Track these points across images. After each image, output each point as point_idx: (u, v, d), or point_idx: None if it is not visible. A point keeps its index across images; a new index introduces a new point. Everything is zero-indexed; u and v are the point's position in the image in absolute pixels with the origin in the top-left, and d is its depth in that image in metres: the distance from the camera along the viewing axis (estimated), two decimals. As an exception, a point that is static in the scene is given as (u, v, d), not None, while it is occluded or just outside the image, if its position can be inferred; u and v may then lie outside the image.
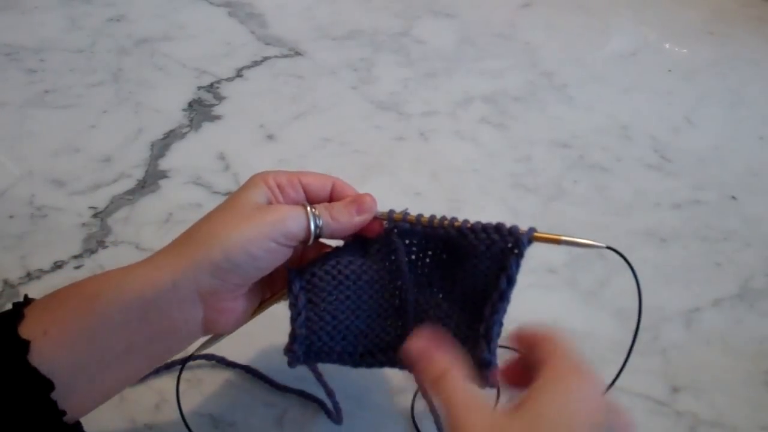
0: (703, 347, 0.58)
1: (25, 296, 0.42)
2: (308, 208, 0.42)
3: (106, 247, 0.63)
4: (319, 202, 0.44)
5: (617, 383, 0.43)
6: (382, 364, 0.45)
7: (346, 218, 0.43)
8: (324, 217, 0.42)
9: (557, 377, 0.35)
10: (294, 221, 0.41)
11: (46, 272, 0.61)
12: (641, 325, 0.59)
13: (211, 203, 0.67)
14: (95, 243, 0.63)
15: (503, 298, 0.41)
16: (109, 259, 0.62)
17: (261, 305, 0.45)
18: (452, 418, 0.35)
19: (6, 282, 0.60)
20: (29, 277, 0.60)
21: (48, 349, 0.38)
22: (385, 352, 0.45)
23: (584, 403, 0.34)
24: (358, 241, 0.45)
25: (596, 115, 0.80)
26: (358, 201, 0.43)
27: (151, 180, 0.69)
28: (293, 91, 0.81)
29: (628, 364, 0.56)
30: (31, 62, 0.82)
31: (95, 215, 0.66)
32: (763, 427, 0.53)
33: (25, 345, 0.37)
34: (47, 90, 0.79)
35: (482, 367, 0.40)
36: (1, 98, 0.78)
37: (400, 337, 0.44)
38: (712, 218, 0.69)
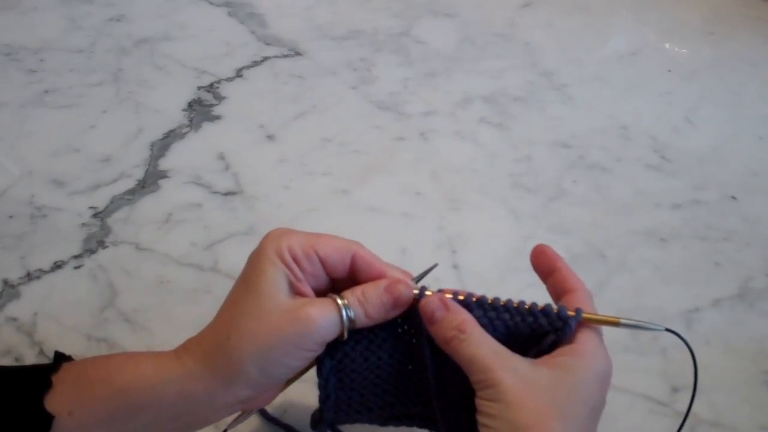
0: (703, 347, 0.58)
1: (56, 354, 0.42)
2: (339, 303, 0.39)
3: (106, 247, 0.63)
4: (338, 275, 0.41)
5: (617, 383, 0.43)
6: (409, 426, 0.44)
7: (381, 316, 0.40)
8: (357, 313, 0.39)
9: (588, 352, 0.37)
10: (327, 330, 0.39)
11: (46, 272, 0.61)
12: (641, 324, 0.59)
13: (211, 203, 0.68)
14: (95, 243, 0.63)
15: None
16: (109, 259, 0.62)
17: (294, 376, 0.43)
18: (481, 370, 0.36)
19: (6, 282, 0.60)
20: (29, 277, 0.60)
21: (70, 429, 0.38)
22: (412, 418, 0.44)
23: (600, 386, 0.37)
24: None
25: (596, 115, 0.80)
26: (394, 294, 0.40)
27: (151, 180, 0.69)
28: (293, 91, 0.81)
29: (627, 364, 0.56)
30: (31, 62, 0.82)
31: (95, 215, 0.66)
32: (763, 427, 0.53)
33: (49, 420, 0.37)
34: (47, 90, 0.79)
35: None
36: (1, 98, 0.78)
37: (426, 408, 0.43)
38: (712, 218, 0.69)
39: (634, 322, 0.40)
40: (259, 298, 0.38)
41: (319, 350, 0.40)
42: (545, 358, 0.38)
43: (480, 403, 0.36)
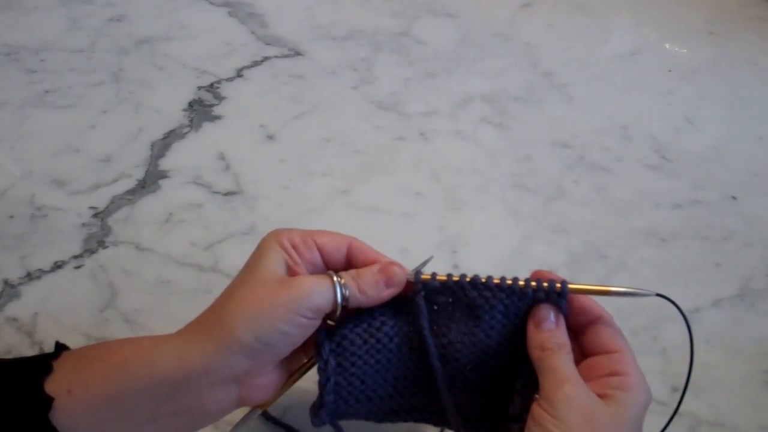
0: (703, 347, 0.58)
1: (57, 343, 0.42)
2: (334, 278, 0.40)
3: (106, 247, 0.63)
4: (335, 263, 0.42)
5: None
6: (406, 421, 0.45)
7: (374, 292, 0.41)
8: (351, 288, 0.40)
9: (636, 384, 0.39)
10: (320, 296, 0.40)
11: (46, 272, 0.61)
12: (642, 325, 0.59)
13: (211, 203, 0.68)
14: (95, 243, 0.63)
15: None
16: (109, 259, 0.62)
17: (296, 372, 0.44)
18: (555, 384, 0.38)
19: (6, 282, 0.60)
20: (29, 277, 0.60)
21: (70, 408, 0.38)
22: (411, 412, 0.44)
23: (643, 415, 0.39)
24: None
25: (596, 115, 0.80)
26: (387, 273, 0.41)
27: (151, 180, 0.69)
28: (293, 91, 0.81)
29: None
30: (31, 62, 0.82)
31: (95, 215, 0.66)
32: (763, 427, 0.53)
33: (48, 402, 0.37)
34: (47, 90, 0.79)
35: (512, 422, 0.41)
36: (1, 98, 0.78)
37: (426, 398, 0.43)
38: (712, 218, 0.69)
39: (625, 289, 0.41)
40: (255, 275, 0.40)
41: (313, 319, 0.40)
42: (600, 388, 0.39)
43: (538, 411, 0.37)
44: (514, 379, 0.42)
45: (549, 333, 0.40)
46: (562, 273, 0.63)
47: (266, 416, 0.52)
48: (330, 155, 0.73)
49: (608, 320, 0.41)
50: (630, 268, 0.64)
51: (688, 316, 0.61)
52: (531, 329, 0.41)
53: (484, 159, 0.74)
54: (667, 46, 0.92)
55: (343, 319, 0.42)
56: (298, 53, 0.87)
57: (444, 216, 0.68)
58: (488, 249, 0.65)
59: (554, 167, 0.73)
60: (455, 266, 0.63)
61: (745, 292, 0.63)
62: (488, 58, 0.87)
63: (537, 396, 0.39)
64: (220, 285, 0.60)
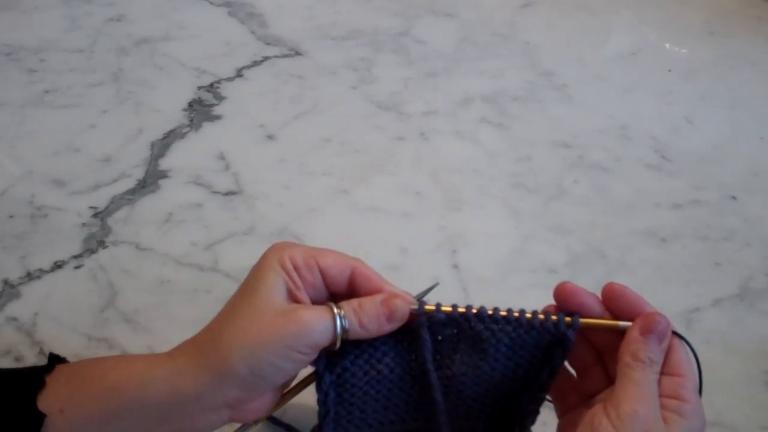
0: (703, 347, 0.58)
1: (50, 355, 0.42)
2: (335, 311, 0.39)
3: (106, 247, 0.63)
4: (337, 288, 0.41)
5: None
6: None
7: (375, 327, 0.40)
8: (351, 322, 0.39)
9: (694, 412, 0.39)
10: (319, 334, 0.39)
11: (46, 272, 0.61)
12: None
13: (211, 203, 0.68)
14: (95, 243, 0.63)
15: (544, 388, 0.40)
16: (109, 259, 0.62)
17: (292, 390, 0.43)
18: (631, 398, 0.37)
19: (6, 282, 0.60)
20: (29, 277, 0.60)
21: (62, 428, 0.38)
22: None
23: None
24: None
25: (596, 115, 0.80)
26: (390, 307, 0.40)
27: (151, 180, 0.69)
28: (293, 91, 0.81)
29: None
30: (31, 62, 0.82)
31: (95, 215, 0.66)
32: (763, 427, 0.53)
33: (40, 418, 0.37)
34: (47, 90, 0.79)
35: None
36: (1, 98, 0.78)
37: (428, 422, 0.43)
38: (712, 218, 0.69)
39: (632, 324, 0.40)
40: (254, 300, 0.39)
41: (310, 354, 0.39)
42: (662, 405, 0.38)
43: (599, 417, 0.37)
44: (515, 406, 0.42)
45: (648, 346, 0.39)
46: (563, 273, 0.63)
47: (267, 416, 0.52)
48: (330, 155, 0.73)
49: (679, 345, 0.41)
50: (630, 268, 0.64)
51: (687, 316, 0.61)
52: (633, 333, 0.39)
53: (484, 159, 0.74)
54: (667, 46, 0.92)
55: (343, 345, 0.41)
56: (298, 53, 0.87)
57: (444, 216, 0.68)
58: (488, 249, 0.65)
59: (554, 167, 0.73)
60: (455, 266, 0.63)
61: (745, 292, 0.63)
62: (488, 58, 0.87)
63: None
64: (220, 285, 0.60)
